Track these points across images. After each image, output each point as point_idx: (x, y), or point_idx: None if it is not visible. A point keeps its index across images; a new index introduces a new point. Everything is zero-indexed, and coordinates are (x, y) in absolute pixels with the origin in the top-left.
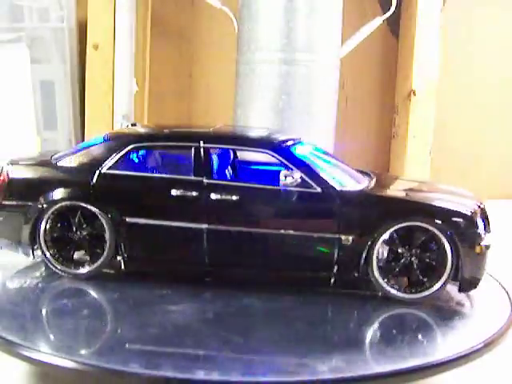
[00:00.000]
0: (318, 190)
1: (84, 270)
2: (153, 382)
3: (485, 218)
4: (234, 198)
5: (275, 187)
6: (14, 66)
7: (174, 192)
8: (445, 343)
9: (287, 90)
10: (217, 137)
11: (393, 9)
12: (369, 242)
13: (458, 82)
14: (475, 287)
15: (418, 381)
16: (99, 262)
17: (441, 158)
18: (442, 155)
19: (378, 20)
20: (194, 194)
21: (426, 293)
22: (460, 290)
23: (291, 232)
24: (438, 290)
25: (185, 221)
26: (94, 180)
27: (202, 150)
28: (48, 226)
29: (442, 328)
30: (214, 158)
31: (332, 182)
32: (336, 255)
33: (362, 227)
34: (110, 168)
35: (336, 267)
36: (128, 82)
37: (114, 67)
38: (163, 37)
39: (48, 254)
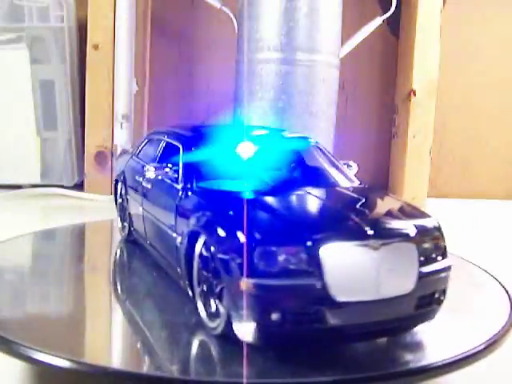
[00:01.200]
0: (179, 185)
1: (126, 234)
2: (152, 381)
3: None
4: (149, 186)
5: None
6: (14, 65)
7: (136, 177)
8: (444, 344)
9: (287, 90)
10: (170, 132)
11: (393, 9)
12: (186, 248)
13: (458, 82)
14: (243, 335)
15: (418, 383)
16: (127, 230)
17: (441, 158)
18: (442, 155)
19: (378, 20)
20: (140, 179)
21: (218, 322)
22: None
23: (161, 224)
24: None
25: (137, 201)
26: (127, 163)
27: (161, 143)
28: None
29: (440, 329)
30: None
31: (205, 183)
32: (176, 256)
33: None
34: (135, 155)
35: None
36: (128, 82)
37: (114, 67)
38: (163, 37)
39: (119, 218)
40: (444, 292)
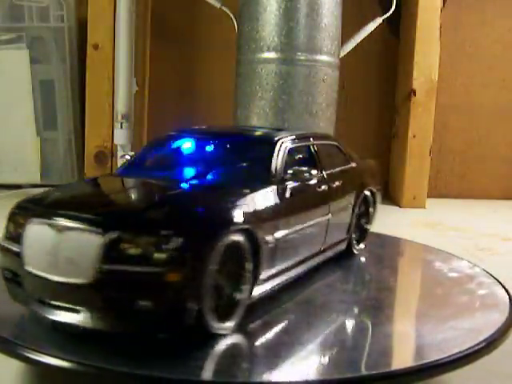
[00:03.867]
0: None
1: None
2: (152, 381)
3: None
4: None
5: None
6: (14, 65)
7: None
8: (443, 343)
9: (287, 90)
10: None
11: (393, 9)
12: None
13: (458, 82)
14: None
15: (418, 381)
16: None
17: (441, 158)
18: (442, 155)
19: (378, 20)
20: None
21: None
22: None
23: None
24: None
25: None
26: None
27: None
28: None
29: (440, 327)
30: None
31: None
32: None
33: None
34: None
35: None
36: (128, 82)
37: (114, 67)
38: (163, 37)
39: None
40: (160, 300)
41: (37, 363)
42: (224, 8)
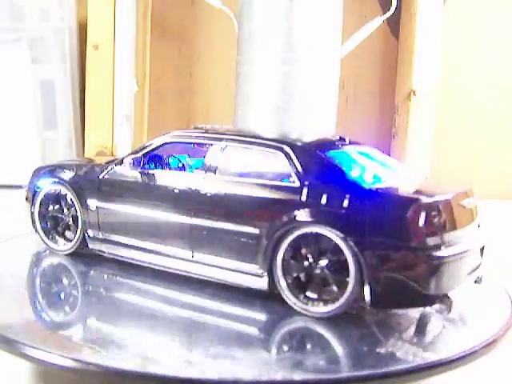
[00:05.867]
0: None
1: None
2: (152, 381)
3: None
4: None
5: None
6: (14, 65)
7: None
8: (444, 343)
9: (287, 90)
10: None
11: (393, 9)
12: None
13: (458, 82)
14: None
15: (418, 381)
16: None
17: (441, 158)
18: (442, 155)
19: (378, 20)
20: None
21: None
22: None
23: None
24: None
25: None
26: None
27: None
28: None
29: (441, 328)
30: None
31: None
32: None
33: None
34: None
35: None
36: (128, 82)
37: (114, 67)
38: (163, 37)
39: None
40: None
41: (41, 362)
42: (224, 8)
